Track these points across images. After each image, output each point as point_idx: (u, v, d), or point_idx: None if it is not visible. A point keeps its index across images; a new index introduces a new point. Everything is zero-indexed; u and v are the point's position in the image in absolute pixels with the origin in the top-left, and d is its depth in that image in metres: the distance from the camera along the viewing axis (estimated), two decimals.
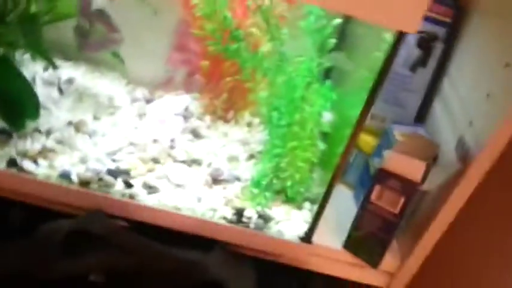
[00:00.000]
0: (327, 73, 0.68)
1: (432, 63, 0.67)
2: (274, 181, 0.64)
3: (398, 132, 0.63)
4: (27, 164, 0.60)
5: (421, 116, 0.70)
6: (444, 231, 0.59)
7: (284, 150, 0.62)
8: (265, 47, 0.59)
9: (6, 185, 0.60)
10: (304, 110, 0.59)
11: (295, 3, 0.56)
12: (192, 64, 0.72)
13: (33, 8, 0.54)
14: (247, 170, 0.67)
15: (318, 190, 0.63)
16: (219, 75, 0.68)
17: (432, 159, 0.59)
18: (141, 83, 0.74)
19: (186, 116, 0.71)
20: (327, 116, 0.65)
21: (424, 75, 0.67)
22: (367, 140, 0.70)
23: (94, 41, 0.53)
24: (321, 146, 0.63)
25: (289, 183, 0.63)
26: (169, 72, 0.74)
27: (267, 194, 0.63)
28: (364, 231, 0.61)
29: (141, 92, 0.74)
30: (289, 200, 0.65)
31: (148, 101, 0.73)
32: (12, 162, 0.59)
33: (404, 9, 0.41)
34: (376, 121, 0.70)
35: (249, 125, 0.75)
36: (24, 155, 0.60)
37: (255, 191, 0.63)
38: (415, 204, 0.61)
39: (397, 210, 0.58)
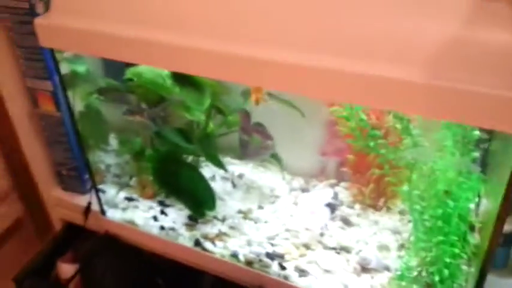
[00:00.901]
0: (484, 160, 0.65)
1: None
2: (423, 274, 0.63)
3: None
4: (208, 245, 0.75)
5: None
6: None
7: (430, 244, 0.61)
8: (404, 143, 0.62)
9: (194, 260, 0.76)
10: (448, 205, 0.58)
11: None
12: (341, 155, 0.79)
13: (211, 126, 0.71)
14: (398, 260, 0.67)
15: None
16: (365, 167, 0.73)
17: None
18: (298, 173, 0.85)
19: (337, 204, 0.77)
20: (482, 205, 0.62)
21: None
22: None
23: (252, 150, 0.65)
24: (472, 240, 0.59)
25: (437, 278, 0.61)
26: (322, 163, 0.82)
27: (415, 287, 0.62)
28: None
29: (297, 182, 0.83)
30: None
31: (303, 190, 0.82)
32: (197, 242, 0.75)
33: None
34: None
35: (402, 213, 0.75)
36: (206, 237, 0.76)
37: (402, 283, 0.63)
38: None
39: None
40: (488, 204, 0.61)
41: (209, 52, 0.50)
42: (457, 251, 0.59)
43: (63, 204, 0.93)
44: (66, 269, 0.86)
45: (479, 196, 0.65)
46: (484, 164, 0.67)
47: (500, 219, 0.49)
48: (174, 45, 0.52)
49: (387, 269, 0.67)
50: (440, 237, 0.60)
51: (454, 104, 0.42)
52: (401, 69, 0.43)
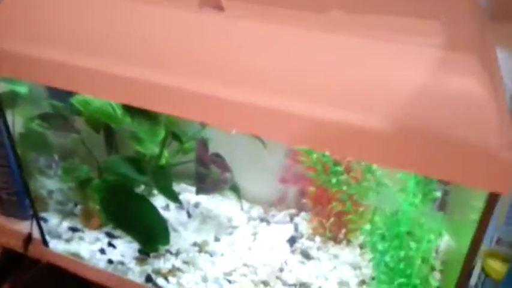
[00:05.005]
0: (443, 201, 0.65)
1: None
2: None
3: None
4: (160, 281, 0.70)
5: None
6: None
7: (391, 286, 0.59)
8: (365, 181, 0.60)
9: None
10: (411, 247, 0.57)
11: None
12: (301, 185, 0.76)
13: (165, 156, 0.67)
14: None
15: None
16: (326, 200, 0.70)
17: None
18: (257, 201, 0.81)
19: (296, 236, 0.74)
20: (443, 244, 0.61)
21: None
22: (494, 266, 0.63)
23: (209, 184, 0.61)
24: (434, 282, 0.58)
25: None
26: (281, 192, 0.79)
27: None
28: None
29: (256, 211, 0.80)
30: None
31: (262, 220, 0.79)
32: (148, 278, 0.70)
33: (494, 172, 0.38)
34: (503, 246, 0.62)
35: (362, 246, 0.74)
36: (158, 272, 0.71)
37: None
38: None
39: None
40: (451, 243, 0.60)
41: (163, 87, 0.46)
42: None
43: (2, 230, 0.85)
44: None
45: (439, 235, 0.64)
46: (442, 203, 0.67)
47: (469, 259, 0.48)
48: (124, 76, 0.47)
49: None
50: (402, 280, 0.58)
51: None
52: (361, 117, 0.41)
